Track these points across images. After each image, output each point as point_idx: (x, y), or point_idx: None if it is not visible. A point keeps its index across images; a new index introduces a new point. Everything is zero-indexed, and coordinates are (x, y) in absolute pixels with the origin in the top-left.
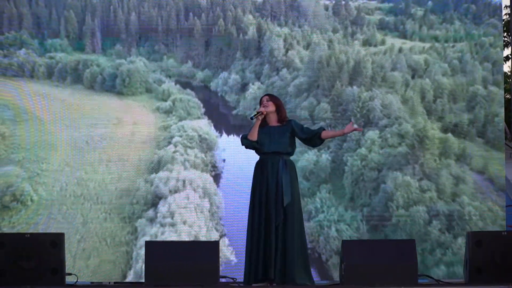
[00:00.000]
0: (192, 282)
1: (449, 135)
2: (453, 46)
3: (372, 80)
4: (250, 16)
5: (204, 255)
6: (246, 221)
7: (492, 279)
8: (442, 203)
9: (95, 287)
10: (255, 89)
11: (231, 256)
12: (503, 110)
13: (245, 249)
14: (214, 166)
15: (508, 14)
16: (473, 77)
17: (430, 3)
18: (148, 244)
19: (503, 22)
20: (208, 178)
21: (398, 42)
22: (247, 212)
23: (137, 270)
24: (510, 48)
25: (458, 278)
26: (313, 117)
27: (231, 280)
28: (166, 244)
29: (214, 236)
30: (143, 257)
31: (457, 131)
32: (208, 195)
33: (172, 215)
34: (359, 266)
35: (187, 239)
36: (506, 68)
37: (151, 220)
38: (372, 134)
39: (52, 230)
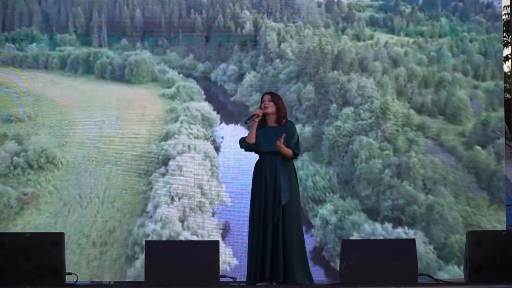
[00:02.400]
0: (192, 281)
1: (411, 110)
2: (436, 41)
3: (351, 66)
4: (247, 12)
5: (204, 255)
6: (241, 179)
7: (492, 279)
8: (395, 158)
9: (94, 287)
10: (251, 77)
11: (227, 200)
12: (462, 91)
13: (247, 249)
14: (213, 141)
15: (508, 14)
16: (444, 66)
17: (420, 1)
18: (148, 243)
19: (503, 22)
20: (209, 145)
21: (385, 37)
22: (242, 172)
23: (155, 203)
24: (510, 47)
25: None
26: (300, 98)
27: (231, 280)
28: (166, 244)
29: (214, 183)
30: (159, 195)
31: (423, 110)
32: (209, 157)
33: (180, 168)
34: (358, 266)
35: (192, 183)
36: (506, 68)
37: (163, 175)
38: (347, 110)
39: (82, 185)
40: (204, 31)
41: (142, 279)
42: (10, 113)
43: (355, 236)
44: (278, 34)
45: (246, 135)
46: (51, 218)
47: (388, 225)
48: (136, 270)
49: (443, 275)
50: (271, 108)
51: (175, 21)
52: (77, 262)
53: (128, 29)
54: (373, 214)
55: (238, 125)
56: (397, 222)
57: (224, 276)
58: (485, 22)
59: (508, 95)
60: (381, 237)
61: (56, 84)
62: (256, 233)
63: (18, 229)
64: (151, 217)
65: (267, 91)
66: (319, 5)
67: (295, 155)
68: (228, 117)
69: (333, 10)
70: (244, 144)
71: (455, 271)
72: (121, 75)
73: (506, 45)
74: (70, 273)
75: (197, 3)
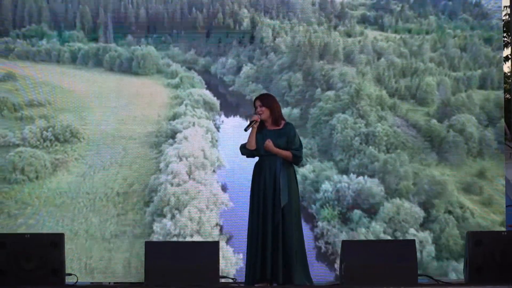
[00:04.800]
0: (192, 282)
1: (384, 94)
2: (422, 37)
3: (335, 56)
4: (245, 10)
5: (204, 256)
6: (237, 151)
7: (492, 279)
8: (365, 129)
9: None
10: (247, 69)
11: (226, 164)
12: (431, 78)
13: (246, 250)
14: (215, 123)
15: (508, 14)
16: (422, 58)
17: (411, 0)
18: (148, 244)
19: (503, 22)
20: (210, 123)
21: (374, 34)
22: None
23: (166, 162)
24: (510, 48)
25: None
26: (290, 85)
27: (231, 281)
28: (166, 245)
29: (214, 151)
30: (169, 156)
31: (396, 94)
32: (210, 132)
33: (186, 138)
34: (359, 267)
35: (197, 147)
36: (506, 68)
37: (172, 144)
38: (329, 93)
39: (102, 154)
40: (204, 28)
41: (159, 216)
42: (32, 98)
43: (326, 184)
44: (273, 30)
45: (246, 141)
46: (79, 177)
47: (353, 176)
48: (153, 207)
49: (387, 205)
50: (265, 113)
51: (178, 18)
52: (105, 205)
53: (133, 26)
54: (343, 171)
55: (237, 116)
56: (361, 174)
57: (224, 277)
58: (472, 20)
59: (508, 96)
60: (346, 184)
61: (68, 76)
62: (255, 234)
63: (53, 186)
64: (163, 172)
65: (258, 95)
66: (313, 4)
67: (297, 158)
68: (227, 107)
69: (326, 9)
70: (245, 150)
71: (397, 202)
72: (128, 67)
73: (506, 45)
74: (70, 274)
75: (198, 1)
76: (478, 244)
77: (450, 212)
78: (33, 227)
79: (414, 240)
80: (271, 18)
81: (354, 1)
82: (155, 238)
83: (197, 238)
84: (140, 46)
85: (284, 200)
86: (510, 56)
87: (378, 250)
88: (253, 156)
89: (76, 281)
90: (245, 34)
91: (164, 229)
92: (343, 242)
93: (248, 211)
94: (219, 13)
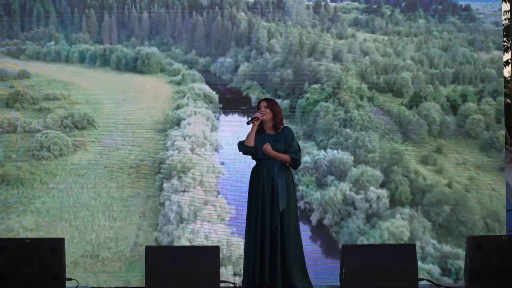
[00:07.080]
0: (192, 286)
1: (364, 86)
2: (409, 39)
3: (322, 54)
4: (243, 13)
5: (204, 260)
6: (234, 139)
7: (492, 283)
8: (344, 115)
9: None
10: (244, 67)
11: (224, 145)
12: (407, 73)
13: (243, 254)
14: (214, 114)
15: (508, 18)
16: (403, 57)
17: (403, 4)
18: (149, 249)
19: (503, 27)
20: (210, 112)
21: (365, 36)
22: (238, 135)
23: (171, 141)
24: (510, 52)
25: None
26: (282, 79)
27: (232, 285)
28: (166, 249)
29: (213, 135)
30: (174, 136)
31: (375, 88)
32: (210, 120)
33: (189, 124)
34: (359, 270)
35: (198, 130)
36: (506, 73)
37: (176, 129)
38: (315, 86)
39: (115, 138)
40: (204, 30)
41: (167, 180)
42: (48, 93)
43: (306, 157)
44: (269, 32)
45: (245, 138)
46: (97, 155)
47: (329, 150)
48: (162, 174)
49: (353, 170)
50: (267, 114)
51: (179, 21)
52: (121, 175)
53: (136, 29)
54: (322, 147)
55: (236, 115)
56: (335, 149)
57: (225, 281)
58: (460, 23)
59: (508, 100)
60: (322, 156)
61: (78, 75)
62: (253, 238)
63: (75, 161)
64: (169, 148)
65: (264, 98)
66: (308, 8)
67: (295, 161)
68: (226, 103)
69: (320, 12)
70: (243, 147)
71: (362, 168)
72: (134, 66)
73: (506, 50)
74: (70, 279)
75: (198, 5)
76: (478, 248)
77: (405, 176)
78: (63, 190)
79: (414, 244)
80: (268, 21)
81: (347, 5)
82: (164, 195)
83: (199, 191)
84: (143, 47)
85: (282, 205)
86: (510, 61)
87: (378, 254)
88: (250, 154)
89: (77, 286)
90: (243, 36)
91: (172, 187)
92: (343, 246)
93: (245, 181)
94: (218, 16)
